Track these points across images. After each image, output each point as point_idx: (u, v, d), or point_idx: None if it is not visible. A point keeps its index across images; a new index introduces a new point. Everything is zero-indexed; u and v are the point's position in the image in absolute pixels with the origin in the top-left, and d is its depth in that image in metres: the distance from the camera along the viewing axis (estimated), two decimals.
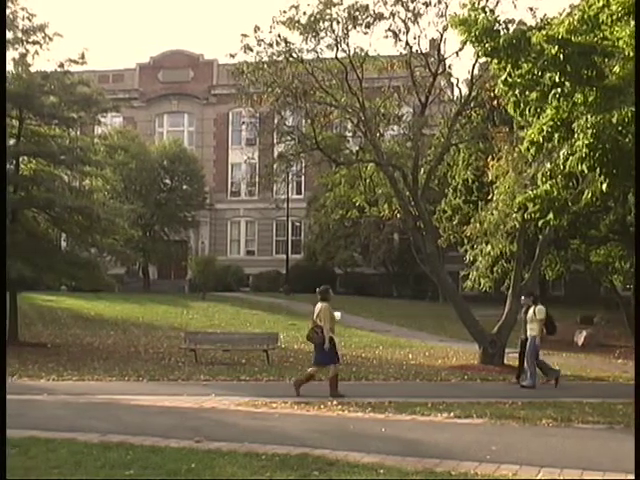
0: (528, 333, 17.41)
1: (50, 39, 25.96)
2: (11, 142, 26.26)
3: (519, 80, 13.19)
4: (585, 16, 12.38)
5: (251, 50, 22.49)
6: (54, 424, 10.85)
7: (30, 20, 25.74)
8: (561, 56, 12.37)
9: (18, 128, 25.95)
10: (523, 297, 18.56)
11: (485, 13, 13.90)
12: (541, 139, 13.33)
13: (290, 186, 44.40)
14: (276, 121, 24.86)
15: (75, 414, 12.13)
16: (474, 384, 17.73)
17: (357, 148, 24.64)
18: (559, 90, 12.79)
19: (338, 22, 22.25)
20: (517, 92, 13.47)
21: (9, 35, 25.56)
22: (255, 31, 22.33)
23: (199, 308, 37.23)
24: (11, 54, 25.83)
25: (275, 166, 25.55)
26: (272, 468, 8.20)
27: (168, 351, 24.01)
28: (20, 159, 26.27)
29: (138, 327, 31.21)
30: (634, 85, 11.82)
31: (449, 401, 13.91)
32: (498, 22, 13.86)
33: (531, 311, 17.47)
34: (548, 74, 12.79)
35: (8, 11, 25.39)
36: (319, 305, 15.03)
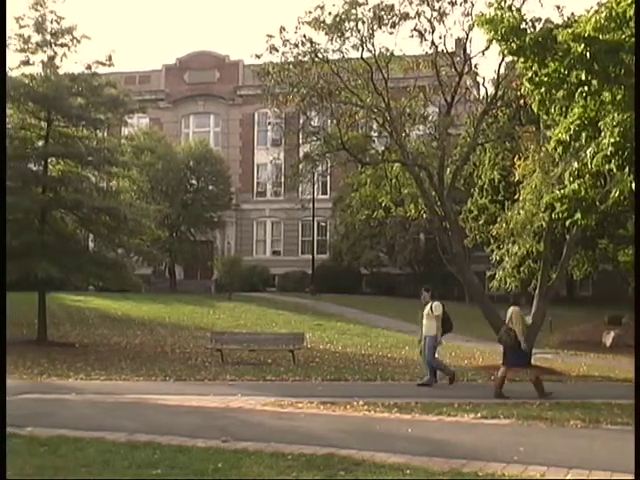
0: (424, 330, 17.22)
1: (78, 41, 26.22)
2: (40, 143, 26.57)
3: (545, 79, 13.08)
4: (613, 13, 12.25)
5: (277, 51, 22.52)
6: (82, 423, 10.93)
7: (58, 23, 26.03)
8: (588, 54, 12.26)
9: (46, 130, 26.22)
10: (423, 292, 18.10)
11: (511, 12, 13.79)
12: (568, 138, 13.22)
13: (316, 186, 44.48)
14: (302, 121, 24.88)
15: (103, 413, 12.22)
16: None
17: (383, 148, 24.58)
18: (586, 89, 12.67)
19: (363, 22, 22.22)
20: (543, 91, 13.36)
21: (38, 38, 25.88)
22: (280, 32, 22.37)
23: (225, 308, 37.34)
24: (40, 57, 26.22)
25: (301, 166, 25.55)
26: (298, 468, 8.22)
27: (195, 351, 24.11)
28: (48, 160, 26.52)
29: (165, 327, 31.37)
30: (635, 84, 11.74)
31: (476, 402, 13.85)
32: (524, 21, 13.76)
33: (428, 307, 17.26)
34: (575, 72, 12.68)
35: (37, 14, 25.73)
36: (511, 309, 15.67)
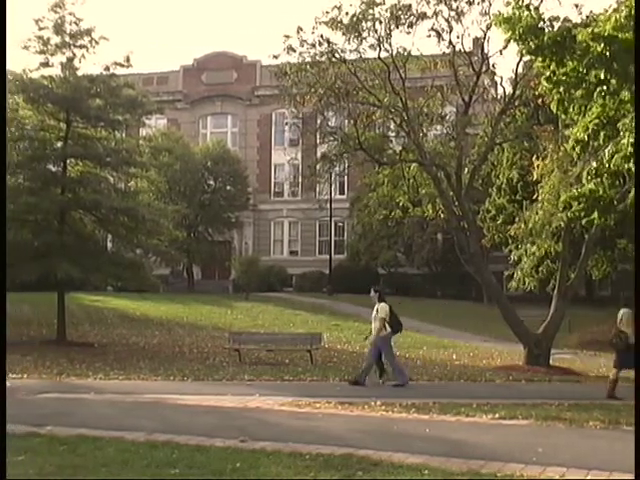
0: (373, 331, 17.06)
1: (96, 43, 26.36)
2: (59, 144, 26.75)
3: (564, 78, 13.04)
4: (632, 12, 12.18)
5: (294, 51, 22.52)
6: (102, 422, 10.99)
7: (77, 25, 26.15)
8: (607, 53, 12.20)
9: (65, 131, 26.39)
10: (371, 292, 17.78)
11: (529, 11, 13.74)
12: (586, 137, 13.17)
13: (333, 186, 44.44)
14: (319, 121, 24.86)
15: (122, 413, 12.27)
16: (519, 385, 17.57)
17: (400, 148, 24.53)
18: (605, 88, 12.62)
19: (381, 22, 22.18)
20: (562, 90, 13.32)
21: (57, 40, 26.02)
22: (298, 32, 22.36)
23: (243, 308, 37.42)
24: (59, 58, 26.36)
25: (318, 166, 25.55)
26: (316, 468, 8.22)
27: (212, 351, 24.17)
28: (67, 161, 26.67)
29: (183, 327, 31.48)
30: (635, 84, 11.67)
31: (494, 402, 13.79)
32: (542, 20, 13.71)
33: (374, 309, 17.12)
34: (594, 72, 12.62)
35: (56, 16, 25.87)
36: (622, 311, 15.70)
